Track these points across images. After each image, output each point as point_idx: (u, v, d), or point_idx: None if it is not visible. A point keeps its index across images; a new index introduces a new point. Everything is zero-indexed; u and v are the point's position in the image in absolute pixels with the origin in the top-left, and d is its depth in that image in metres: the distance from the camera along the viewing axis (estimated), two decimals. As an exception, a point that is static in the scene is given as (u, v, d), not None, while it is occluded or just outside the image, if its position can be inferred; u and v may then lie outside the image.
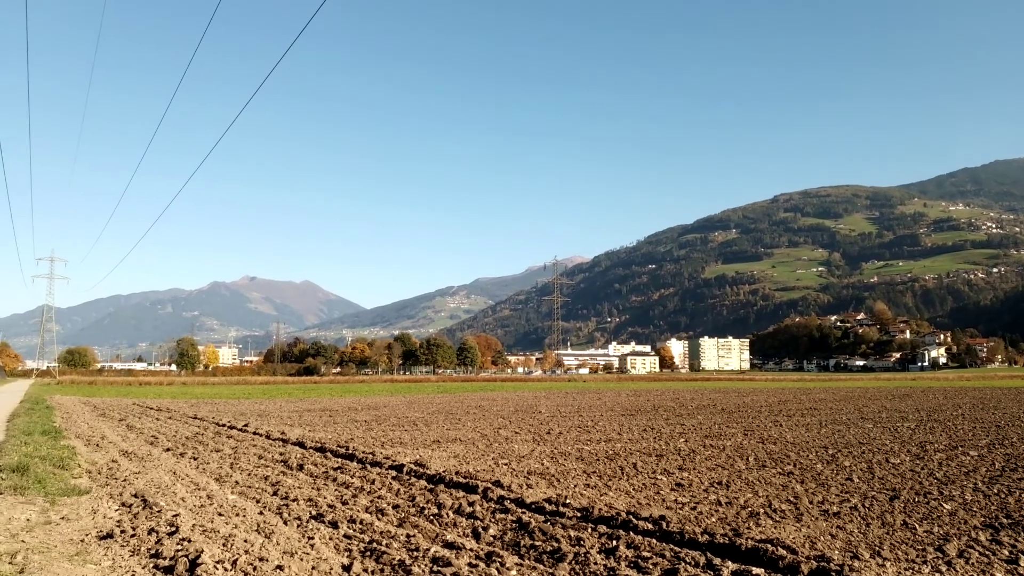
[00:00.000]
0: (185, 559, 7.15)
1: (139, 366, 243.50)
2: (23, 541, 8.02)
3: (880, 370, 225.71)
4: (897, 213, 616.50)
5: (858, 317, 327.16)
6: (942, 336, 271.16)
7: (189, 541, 7.89)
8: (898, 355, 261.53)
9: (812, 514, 10.27)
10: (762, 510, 10.47)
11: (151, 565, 7.20)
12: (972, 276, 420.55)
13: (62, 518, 9.41)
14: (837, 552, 8.11)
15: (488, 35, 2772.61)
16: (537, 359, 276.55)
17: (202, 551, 7.33)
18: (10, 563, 7.02)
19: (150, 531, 8.50)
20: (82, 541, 8.20)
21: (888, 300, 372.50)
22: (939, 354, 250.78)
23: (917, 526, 9.50)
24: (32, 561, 7.15)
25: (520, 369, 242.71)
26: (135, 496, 10.86)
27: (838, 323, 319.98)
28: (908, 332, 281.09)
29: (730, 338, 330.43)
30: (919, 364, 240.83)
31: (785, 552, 7.60)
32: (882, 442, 19.92)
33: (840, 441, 20.20)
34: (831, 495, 11.73)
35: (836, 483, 12.94)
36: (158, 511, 9.63)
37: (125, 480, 12.51)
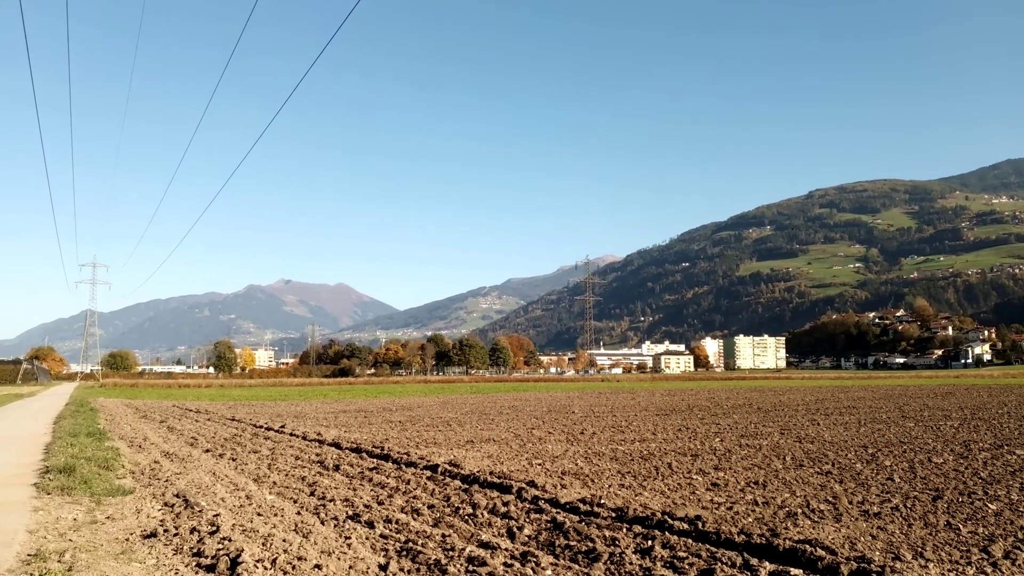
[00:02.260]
0: (226, 558, 7.28)
1: (178, 369, 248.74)
2: (71, 540, 8.24)
3: (921, 367, 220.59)
4: (937, 207, 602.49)
5: (897, 314, 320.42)
6: (986, 332, 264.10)
7: (230, 540, 8.03)
8: (940, 352, 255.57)
9: (852, 514, 10.10)
10: (800, 510, 10.33)
11: (194, 564, 7.35)
12: (1017, 270, 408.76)
13: (107, 517, 9.64)
14: (878, 553, 7.97)
15: (519, 36, 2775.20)
16: (570, 359, 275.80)
17: (242, 550, 7.46)
18: (59, 561, 7.22)
19: (192, 530, 8.68)
20: (127, 540, 8.40)
21: (929, 296, 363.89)
22: (983, 351, 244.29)
23: (961, 527, 9.29)
24: (79, 559, 7.35)
25: (553, 369, 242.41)
26: (177, 496, 11.08)
27: (876, 320, 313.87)
28: (950, 328, 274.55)
29: (766, 336, 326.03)
30: (962, 361, 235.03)
31: (824, 553, 7.49)
32: (924, 441, 19.50)
33: (880, 440, 19.83)
34: (871, 495, 11.53)
35: (876, 483, 12.70)
36: (199, 511, 9.82)
37: (167, 480, 12.77)
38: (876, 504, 10.78)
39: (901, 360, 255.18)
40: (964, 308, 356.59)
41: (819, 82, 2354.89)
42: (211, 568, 7.10)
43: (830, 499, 11.16)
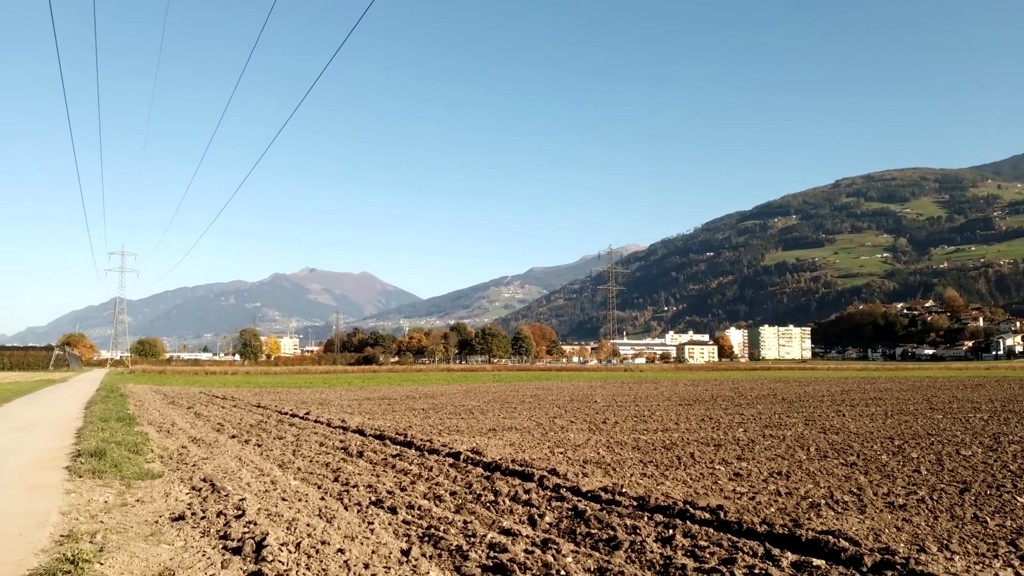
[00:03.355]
0: (252, 541, 7.41)
1: (205, 356, 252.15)
2: (102, 522, 8.44)
3: (951, 359, 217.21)
4: (969, 196, 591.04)
5: (926, 304, 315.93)
6: (1018, 323, 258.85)
7: (255, 524, 8.17)
8: (970, 343, 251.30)
9: (876, 506, 10.01)
10: (823, 501, 10.26)
11: (220, 546, 7.48)
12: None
13: (137, 500, 9.85)
14: (903, 545, 7.90)
15: (543, 27, 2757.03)
16: (592, 349, 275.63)
17: (267, 534, 7.58)
18: (91, 542, 7.40)
19: (218, 514, 8.83)
20: (156, 522, 8.58)
21: (959, 286, 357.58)
22: (1015, 342, 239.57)
23: (988, 520, 9.17)
24: (110, 540, 7.52)
25: (575, 359, 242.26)
26: (204, 481, 11.28)
27: (905, 311, 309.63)
28: (981, 319, 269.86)
29: (791, 326, 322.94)
30: (993, 353, 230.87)
31: (847, 544, 7.43)
32: (952, 433, 19.23)
33: (907, 432, 19.59)
34: (897, 487, 11.41)
35: (902, 475, 12.57)
36: (225, 495, 9.99)
37: (194, 465, 12.99)
38: (901, 496, 10.67)
39: (930, 351, 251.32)
40: (996, 299, 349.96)
41: (847, 72, 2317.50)
42: (237, 551, 7.23)
43: (854, 490, 11.07)
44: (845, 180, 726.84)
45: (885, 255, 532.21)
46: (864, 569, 6.81)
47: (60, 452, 14.41)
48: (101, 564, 6.68)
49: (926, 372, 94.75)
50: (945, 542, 8.04)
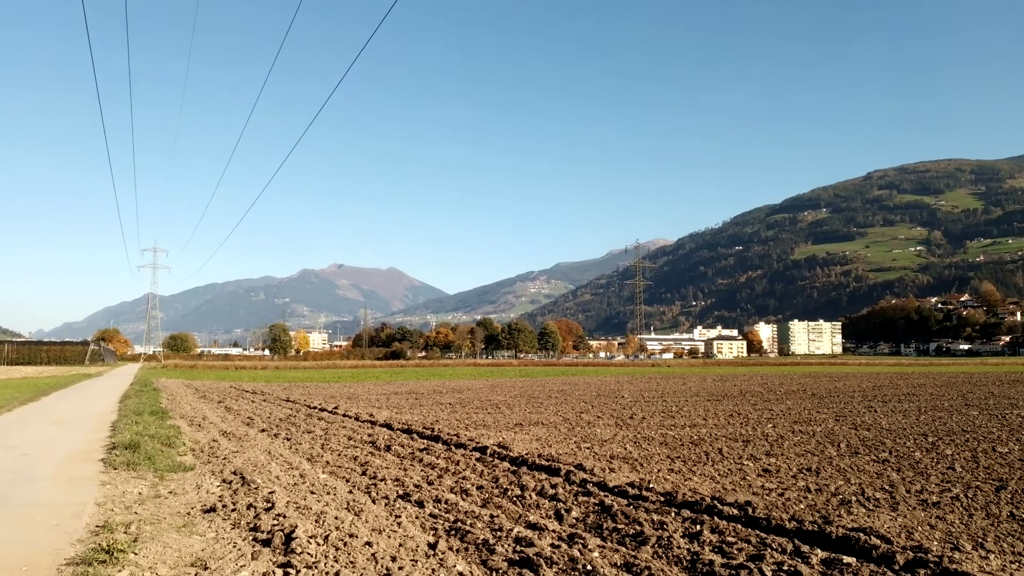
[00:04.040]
0: (281, 533, 7.51)
1: (235, 351, 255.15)
2: (136, 513, 8.61)
3: (987, 354, 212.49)
4: (1006, 187, 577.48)
5: (962, 298, 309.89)
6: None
7: (284, 516, 8.28)
8: (1007, 338, 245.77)
9: (909, 503, 9.85)
10: (854, 498, 10.11)
11: (250, 538, 7.60)
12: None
13: (170, 492, 10.03)
14: (936, 543, 7.76)
15: (565, 25, 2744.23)
16: (619, 344, 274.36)
17: (296, 526, 7.68)
18: (125, 532, 7.57)
19: (249, 506, 8.96)
20: (188, 514, 8.73)
21: (996, 280, 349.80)
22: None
23: (1025, 518, 8.97)
24: (144, 531, 7.69)
25: (602, 354, 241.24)
26: (234, 474, 11.44)
27: (939, 305, 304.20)
28: (1019, 314, 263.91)
29: (821, 321, 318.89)
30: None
31: (879, 541, 7.32)
32: (988, 430, 18.84)
33: (941, 428, 19.23)
34: (930, 484, 11.21)
35: (936, 472, 12.34)
36: (255, 488, 10.13)
37: (225, 458, 13.18)
38: (935, 493, 10.48)
39: (965, 347, 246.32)
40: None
41: (879, 64, 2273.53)
42: (267, 543, 7.33)
43: (886, 487, 10.90)
44: (877, 172, 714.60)
45: (919, 248, 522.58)
46: (896, 567, 6.71)
47: (96, 445, 14.72)
48: (135, 554, 6.82)
49: (961, 368, 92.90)
50: (980, 541, 7.89)
